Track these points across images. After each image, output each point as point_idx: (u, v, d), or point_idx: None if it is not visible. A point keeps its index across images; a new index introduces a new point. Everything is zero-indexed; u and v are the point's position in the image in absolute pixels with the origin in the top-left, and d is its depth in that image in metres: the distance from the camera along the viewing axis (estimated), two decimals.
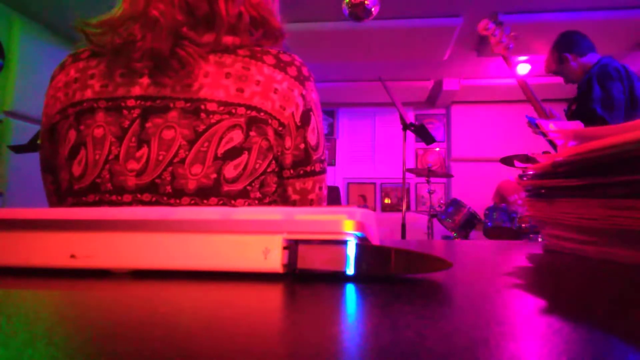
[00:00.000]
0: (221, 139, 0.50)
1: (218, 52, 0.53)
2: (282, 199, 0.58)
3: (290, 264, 0.22)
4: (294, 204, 0.58)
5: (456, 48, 3.29)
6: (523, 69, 3.58)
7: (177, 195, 0.49)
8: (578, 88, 1.84)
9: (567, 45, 1.86)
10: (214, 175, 0.49)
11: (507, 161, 2.25)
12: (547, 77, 3.14)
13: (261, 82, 0.53)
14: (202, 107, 0.50)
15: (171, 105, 0.50)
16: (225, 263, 0.22)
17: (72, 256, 0.22)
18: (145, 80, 0.51)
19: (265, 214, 0.23)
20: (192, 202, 0.49)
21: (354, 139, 4.74)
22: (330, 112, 4.67)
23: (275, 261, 0.21)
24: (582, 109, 1.74)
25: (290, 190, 0.57)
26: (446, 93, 4.18)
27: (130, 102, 0.50)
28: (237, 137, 0.50)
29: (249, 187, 0.51)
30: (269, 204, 0.55)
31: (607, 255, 0.35)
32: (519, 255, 0.39)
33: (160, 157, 0.49)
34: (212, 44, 0.52)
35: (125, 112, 0.50)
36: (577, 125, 0.49)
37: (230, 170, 0.50)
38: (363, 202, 4.63)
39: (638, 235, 0.31)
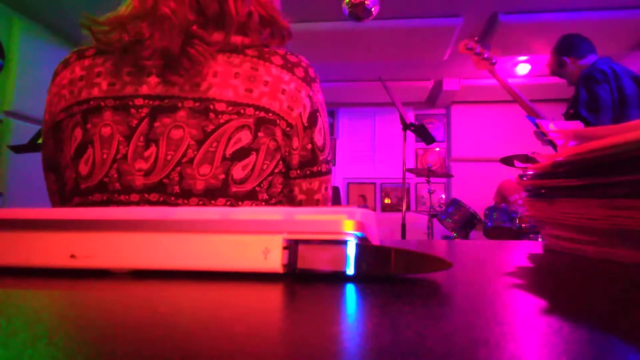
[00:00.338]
0: (230, 139, 0.50)
1: (227, 52, 0.53)
2: (288, 200, 0.58)
3: (290, 264, 0.22)
4: (300, 204, 0.58)
5: (456, 48, 3.28)
6: (523, 69, 3.58)
7: (185, 196, 0.48)
8: (571, 102, 1.88)
9: (566, 48, 1.89)
10: (222, 176, 0.49)
11: (507, 161, 2.25)
12: (547, 78, 3.15)
13: (269, 82, 0.53)
14: (211, 107, 0.50)
15: (180, 104, 0.50)
16: (225, 263, 0.22)
17: (72, 256, 0.22)
18: (153, 79, 0.51)
19: (265, 214, 0.23)
20: (200, 202, 0.49)
21: (354, 139, 4.74)
22: (330, 112, 4.67)
23: (275, 261, 0.21)
24: (574, 112, 1.78)
25: (296, 190, 0.57)
26: (446, 93, 4.18)
27: (139, 101, 0.50)
28: (245, 137, 0.50)
29: (257, 188, 0.51)
30: (275, 204, 0.55)
31: (607, 255, 0.35)
32: (519, 255, 0.39)
33: (169, 157, 0.49)
34: (221, 43, 0.52)
35: (133, 111, 0.50)
36: (577, 125, 0.49)
37: (238, 171, 0.50)
38: (363, 202, 4.63)
39: (638, 235, 0.31)
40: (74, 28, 3.09)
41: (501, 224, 2.42)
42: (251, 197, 0.51)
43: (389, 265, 0.21)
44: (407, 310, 0.15)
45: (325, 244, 0.21)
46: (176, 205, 0.48)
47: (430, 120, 4.61)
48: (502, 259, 0.36)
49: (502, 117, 4.28)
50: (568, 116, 1.86)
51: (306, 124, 0.55)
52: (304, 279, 0.22)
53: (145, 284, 0.21)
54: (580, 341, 0.12)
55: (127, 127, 0.49)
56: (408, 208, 3.76)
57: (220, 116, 0.50)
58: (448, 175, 3.40)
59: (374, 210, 4.50)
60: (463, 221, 2.68)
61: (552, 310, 0.16)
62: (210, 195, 0.49)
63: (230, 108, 0.50)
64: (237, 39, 0.54)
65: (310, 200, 0.58)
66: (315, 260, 0.21)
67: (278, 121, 0.52)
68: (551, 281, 0.25)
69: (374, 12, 2.33)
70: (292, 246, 0.22)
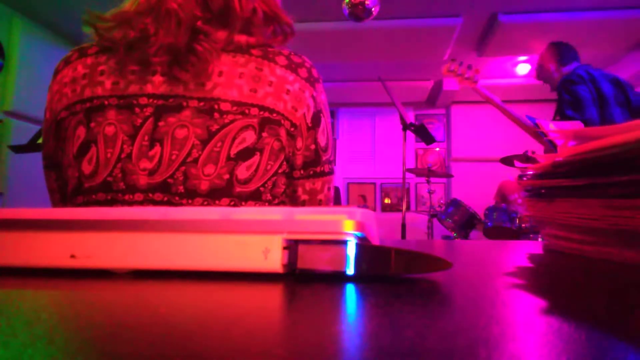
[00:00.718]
0: (234, 139, 0.50)
1: (232, 51, 0.53)
2: (291, 200, 0.58)
3: (290, 264, 0.22)
4: (303, 204, 0.58)
5: (456, 48, 3.29)
6: (523, 69, 3.59)
7: (189, 196, 0.48)
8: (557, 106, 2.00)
9: (551, 56, 2.02)
10: (227, 176, 0.49)
11: (507, 161, 2.26)
12: None
13: (274, 82, 0.53)
14: (216, 106, 0.50)
15: (184, 104, 0.50)
16: (226, 263, 0.22)
17: (72, 256, 0.22)
18: (157, 79, 0.51)
19: (265, 214, 0.23)
20: (205, 202, 0.49)
21: (354, 139, 4.74)
22: (330, 112, 4.66)
23: (275, 261, 0.21)
24: (561, 117, 1.88)
25: (300, 190, 0.57)
26: (446, 93, 4.18)
27: (143, 100, 0.50)
28: (249, 137, 0.50)
29: (261, 189, 0.51)
30: (278, 205, 0.55)
31: (607, 255, 0.35)
32: (519, 255, 0.39)
33: (173, 157, 0.48)
34: (226, 41, 0.52)
35: (137, 110, 0.50)
36: (577, 125, 0.49)
37: (242, 171, 0.50)
38: (363, 202, 4.63)
39: (638, 235, 0.31)
40: (74, 28, 3.09)
41: (501, 224, 2.42)
42: (255, 197, 0.51)
43: (389, 265, 0.21)
44: (407, 310, 0.15)
45: (325, 244, 0.21)
46: (180, 204, 0.48)
47: (430, 120, 4.61)
48: (502, 259, 0.36)
49: (502, 117, 4.26)
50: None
51: (310, 125, 0.55)
52: (304, 279, 0.22)
53: (146, 284, 0.21)
54: (580, 341, 0.12)
55: (131, 126, 0.49)
56: (408, 208, 3.76)
57: (225, 116, 0.50)
58: (448, 175, 3.40)
59: (374, 210, 4.50)
60: (463, 221, 2.68)
61: (552, 310, 0.16)
62: (214, 195, 0.49)
63: (235, 108, 0.50)
64: (241, 38, 0.54)
65: (313, 201, 0.58)
66: (315, 260, 0.21)
67: (282, 121, 0.52)
68: (551, 281, 0.25)
69: (374, 12, 2.33)
70: (292, 246, 0.22)
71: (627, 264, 0.32)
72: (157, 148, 0.49)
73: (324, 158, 0.58)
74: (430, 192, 2.98)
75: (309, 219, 0.22)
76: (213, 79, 0.51)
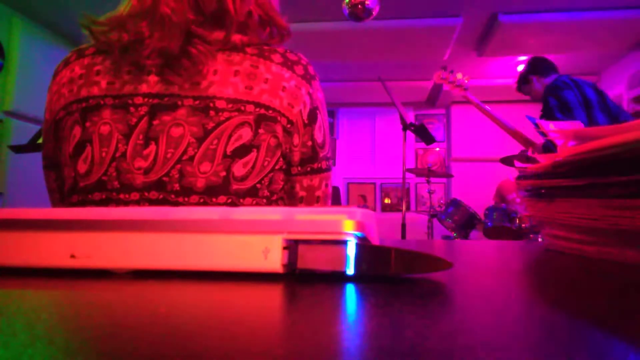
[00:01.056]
0: (230, 136, 0.50)
1: (227, 50, 0.53)
2: (289, 196, 0.58)
3: (290, 264, 0.22)
4: (300, 200, 0.58)
5: (456, 48, 3.29)
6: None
7: (185, 193, 0.49)
8: (542, 111, 2.11)
9: (533, 68, 2.17)
10: (223, 174, 0.49)
11: (507, 161, 2.27)
12: None
13: (269, 80, 0.53)
14: (211, 104, 0.50)
15: (179, 103, 0.50)
16: (226, 263, 0.22)
17: (72, 256, 0.22)
18: (152, 78, 0.51)
19: (265, 214, 0.23)
20: (201, 200, 0.49)
21: (354, 139, 4.74)
22: (330, 112, 4.67)
23: (275, 261, 0.21)
24: (542, 117, 1.99)
25: (297, 187, 0.58)
26: (446, 93, 4.18)
27: (138, 100, 0.50)
28: (246, 134, 0.50)
29: (258, 185, 0.52)
30: (276, 201, 0.55)
31: (607, 255, 0.35)
32: (519, 255, 0.39)
33: (169, 155, 0.49)
34: (221, 42, 0.52)
35: (132, 109, 0.50)
36: (577, 125, 0.49)
37: (239, 168, 0.50)
38: (363, 202, 4.63)
39: (638, 235, 0.31)
40: (74, 28, 3.09)
41: (501, 224, 2.42)
42: (252, 194, 0.51)
43: (389, 265, 0.21)
44: (407, 310, 0.15)
45: (325, 244, 0.21)
46: (176, 203, 0.48)
47: (430, 120, 4.61)
48: (502, 259, 0.36)
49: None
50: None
51: (306, 121, 0.55)
52: (304, 279, 0.22)
53: (146, 284, 0.21)
54: (580, 341, 0.12)
55: (126, 125, 0.49)
56: (408, 208, 3.76)
57: (220, 114, 0.50)
58: (448, 175, 3.40)
59: (374, 210, 4.50)
60: (463, 221, 2.68)
61: (552, 310, 0.16)
62: (210, 193, 0.49)
63: (230, 105, 0.50)
64: (236, 38, 0.54)
65: (311, 197, 0.59)
66: (315, 260, 0.21)
67: (279, 118, 0.53)
68: (551, 281, 0.25)
69: (374, 12, 2.33)
70: (292, 246, 0.22)
71: (627, 264, 0.32)
72: (152, 147, 0.49)
73: (321, 154, 0.58)
74: (430, 192, 2.98)
75: (309, 219, 0.22)
76: (208, 78, 0.51)
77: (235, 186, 0.50)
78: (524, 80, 2.21)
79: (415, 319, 0.14)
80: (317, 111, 0.57)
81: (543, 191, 0.44)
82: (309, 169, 0.57)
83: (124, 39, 0.51)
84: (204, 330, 0.13)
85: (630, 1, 2.63)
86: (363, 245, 0.21)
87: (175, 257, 0.22)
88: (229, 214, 0.23)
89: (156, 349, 0.11)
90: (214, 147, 0.49)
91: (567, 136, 0.43)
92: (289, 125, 0.54)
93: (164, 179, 0.48)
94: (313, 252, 0.21)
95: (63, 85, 0.54)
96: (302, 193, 0.58)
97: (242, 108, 0.50)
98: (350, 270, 0.21)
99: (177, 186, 0.48)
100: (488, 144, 4.29)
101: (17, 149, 2.00)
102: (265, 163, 0.52)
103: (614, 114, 1.94)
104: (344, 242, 0.21)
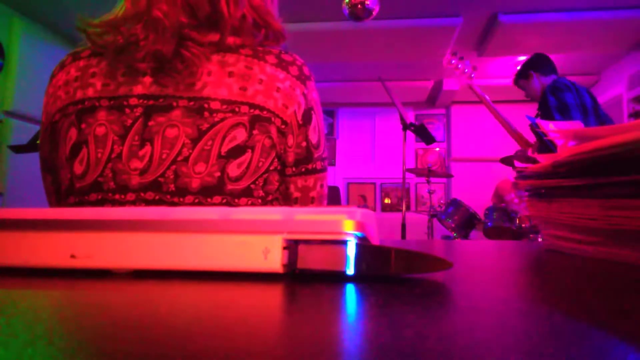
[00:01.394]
0: (225, 137, 0.50)
1: (221, 51, 0.53)
2: (284, 197, 0.58)
3: (290, 264, 0.22)
4: (295, 201, 0.58)
5: (456, 48, 3.28)
6: None
7: (180, 194, 0.49)
8: (538, 109, 2.13)
9: (535, 64, 2.17)
10: (218, 174, 0.49)
11: (507, 161, 2.27)
12: None
13: (264, 80, 0.53)
14: (206, 105, 0.50)
15: (174, 104, 0.50)
16: (226, 263, 0.22)
17: (72, 256, 0.23)
18: (147, 79, 0.51)
19: (265, 214, 0.23)
20: (196, 200, 0.49)
21: (354, 139, 4.74)
22: (330, 112, 4.67)
23: (275, 261, 0.21)
24: (541, 117, 2.00)
25: (292, 187, 0.58)
26: (446, 93, 4.18)
27: (133, 101, 0.50)
28: (240, 135, 0.51)
29: (252, 186, 0.52)
30: (271, 202, 0.55)
31: (607, 255, 0.35)
32: (519, 255, 0.39)
33: (164, 156, 0.49)
34: (215, 44, 0.52)
35: (127, 110, 0.50)
36: (577, 125, 0.49)
37: (233, 168, 0.50)
38: (363, 202, 4.63)
39: (638, 235, 0.31)
40: (74, 28, 3.09)
41: (501, 224, 2.42)
42: (247, 194, 0.51)
43: (389, 265, 0.21)
44: (407, 310, 0.15)
45: (325, 244, 0.21)
46: (172, 203, 0.49)
47: (430, 120, 4.61)
48: (502, 259, 0.36)
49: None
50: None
51: (301, 122, 0.56)
52: (304, 279, 0.22)
53: (146, 284, 0.21)
54: (580, 341, 0.12)
55: (121, 126, 0.50)
56: (408, 208, 3.76)
57: (215, 114, 0.50)
58: (448, 175, 3.40)
59: (374, 210, 4.50)
60: (463, 221, 2.68)
61: (552, 310, 0.16)
62: (205, 193, 0.49)
63: (224, 106, 0.50)
64: (230, 40, 0.54)
65: (306, 198, 0.59)
66: (315, 260, 0.21)
67: (273, 119, 0.53)
68: (551, 281, 0.25)
69: (374, 12, 2.33)
70: (292, 246, 0.22)
71: (627, 264, 0.32)
72: (148, 148, 0.49)
73: (315, 155, 0.58)
74: (430, 192, 2.98)
75: (309, 219, 0.22)
76: (202, 79, 0.51)
77: (230, 186, 0.50)
78: (523, 75, 2.20)
79: (415, 319, 0.14)
80: (312, 112, 0.57)
81: (543, 191, 0.44)
82: (303, 169, 0.57)
83: (118, 42, 0.51)
84: (204, 330, 0.13)
85: (630, 1, 2.63)
86: (363, 245, 0.21)
87: (175, 257, 0.22)
88: (229, 214, 0.23)
89: (156, 349, 0.11)
90: (209, 148, 0.49)
91: (567, 136, 0.43)
92: (283, 126, 0.54)
93: (160, 179, 0.49)
94: (313, 252, 0.21)
95: (59, 88, 0.54)
96: (296, 194, 0.58)
97: (237, 109, 0.51)
98: (350, 270, 0.21)
99: (172, 187, 0.49)
100: (488, 144, 4.29)
101: (17, 149, 2.00)
102: (260, 164, 0.52)
103: (603, 123, 1.99)
104: (344, 242, 0.21)
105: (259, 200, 0.53)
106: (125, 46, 0.51)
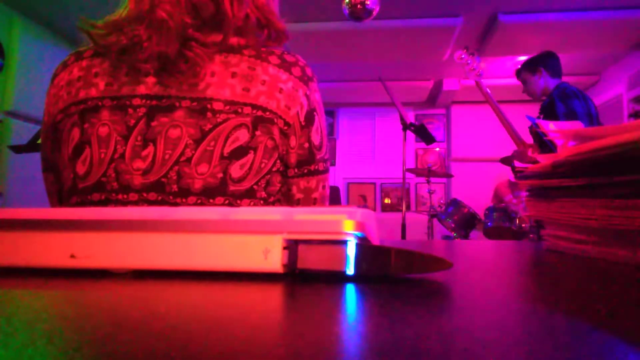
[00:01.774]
0: (227, 138, 0.50)
1: (224, 51, 0.53)
2: (286, 198, 0.58)
3: (290, 264, 0.22)
4: (297, 202, 0.58)
5: (456, 48, 3.28)
6: None
7: (183, 195, 0.49)
8: (541, 112, 2.11)
9: (546, 62, 2.12)
10: (220, 175, 0.49)
11: (507, 161, 2.27)
12: None
13: (267, 81, 0.53)
14: (209, 106, 0.50)
15: (177, 104, 0.50)
16: (226, 263, 0.22)
17: (72, 256, 0.22)
18: (150, 79, 0.51)
19: (265, 214, 0.23)
20: (198, 201, 0.49)
21: (354, 139, 4.74)
22: (330, 112, 4.68)
23: (275, 261, 0.21)
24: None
25: (294, 189, 0.57)
26: (446, 93, 4.18)
27: (136, 101, 0.50)
28: (243, 136, 0.51)
29: (255, 187, 0.52)
30: (273, 203, 0.55)
31: (607, 255, 0.35)
32: (519, 255, 0.39)
33: (167, 156, 0.49)
34: (219, 45, 0.52)
35: (130, 110, 0.50)
36: (577, 125, 0.49)
37: (236, 169, 0.50)
38: (363, 202, 4.63)
39: (638, 235, 0.31)
40: (74, 28, 3.09)
41: (501, 224, 2.42)
42: (249, 195, 0.51)
43: (389, 265, 0.21)
44: (407, 310, 0.15)
45: (325, 244, 0.21)
46: (175, 204, 0.48)
47: (430, 120, 4.61)
48: (502, 259, 0.36)
49: (506, 114, 4.28)
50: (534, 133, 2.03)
51: (303, 123, 0.55)
52: (304, 279, 0.22)
53: (146, 284, 0.21)
54: (580, 341, 0.12)
55: (124, 126, 0.50)
56: (408, 208, 3.76)
57: (217, 115, 0.50)
58: (448, 175, 3.40)
59: (374, 210, 4.50)
60: (463, 221, 2.68)
61: (552, 310, 0.16)
62: (208, 194, 0.49)
63: (227, 107, 0.50)
64: (233, 40, 0.54)
65: (308, 199, 0.59)
66: (315, 260, 0.21)
67: (276, 120, 0.53)
68: (551, 281, 0.25)
69: (374, 12, 2.33)
70: (292, 246, 0.22)
71: (627, 264, 0.32)
72: (151, 148, 0.49)
73: (318, 156, 0.58)
74: (430, 192, 2.98)
75: (309, 219, 0.22)
76: (206, 79, 0.51)
77: (232, 187, 0.50)
78: (531, 68, 2.13)
79: (415, 319, 0.14)
80: (315, 113, 0.57)
81: (543, 191, 0.44)
82: (305, 170, 0.57)
83: (121, 43, 0.51)
84: (204, 330, 0.13)
85: (630, 1, 2.63)
86: (363, 245, 0.21)
87: (175, 257, 0.22)
88: (229, 214, 0.23)
89: (156, 349, 0.11)
90: (211, 149, 0.49)
91: (567, 136, 0.43)
92: (285, 127, 0.54)
93: (163, 180, 0.49)
94: (313, 252, 0.21)
95: (61, 88, 0.54)
96: (298, 195, 0.58)
97: (239, 110, 0.51)
98: (350, 270, 0.21)
99: (175, 187, 0.48)
100: (488, 144, 4.29)
101: (17, 149, 2.00)
102: (262, 165, 0.52)
103: None
104: (344, 242, 0.21)
105: (261, 202, 0.53)
106: (128, 47, 0.51)
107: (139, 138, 0.49)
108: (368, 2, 2.28)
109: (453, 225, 2.70)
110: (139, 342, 0.12)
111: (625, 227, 0.32)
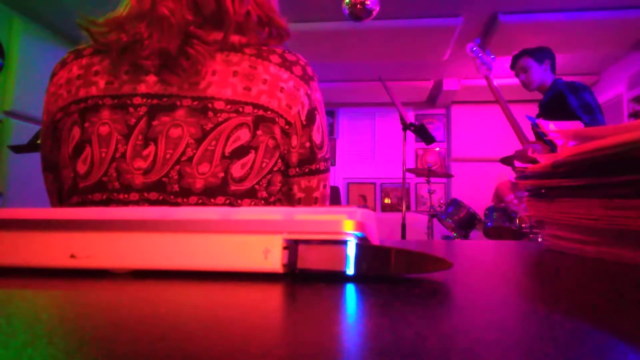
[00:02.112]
0: (228, 137, 0.50)
1: (225, 50, 0.53)
2: (287, 197, 0.58)
3: (290, 264, 0.22)
4: (299, 202, 0.58)
5: (456, 48, 3.29)
6: None
7: (184, 194, 0.49)
8: (545, 107, 2.06)
9: (552, 55, 2.10)
10: (222, 174, 0.49)
11: (507, 161, 2.27)
12: None
13: (268, 80, 0.53)
14: (210, 105, 0.50)
15: (178, 103, 0.50)
16: (226, 263, 0.22)
17: (72, 256, 0.22)
18: (151, 78, 0.51)
19: (265, 214, 0.23)
20: (200, 201, 0.49)
21: (354, 139, 4.74)
22: (330, 112, 4.67)
23: (275, 261, 0.21)
24: (555, 117, 1.92)
25: (295, 188, 0.57)
26: (446, 93, 4.18)
27: (137, 100, 0.50)
28: (244, 135, 0.50)
29: (257, 187, 0.52)
30: (274, 203, 0.55)
31: (607, 255, 0.35)
32: (519, 255, 0.39)
33: (168, 156, 0.49)
34: (220, 43, 0.52)
35: (131, 109, 0.50)
36: (577, 125, 0.49)
37: (237, 169, 0.50)
38: (363, 202, 4.63)
39: (638, 235, 0.31)
40: (74, 28, 3.09)
41: (501, 224, 2.42)
42: (250, 195, 0.51)
43: (389, 265, 0.21)
44: (407, 310, 0.15)
45: (325, 244, 0.21)
46: (176, 203, 0.48)
47: (430, 120, 4.61)
48: (502, 259, 0.36)
49: (502, 117, 4.26)
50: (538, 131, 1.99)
51: (304, 122, 0.55)
52: (304, 279, 0.22)
53: (146, 284, 0.21)
54: (580, 341, 0.12)
55: (125, 125, 0.49)
56: (408, 208, 3.76)
57: (219, 114, 0.50)
58: (448, 175, 3.40)
59: (374, 210, 4.50)
60: (463, 221, 2.68)
61: (552, 310, 0.16)
62: (209, 194, 0.49)
63: (229, 106, 0.50)
64: (234, 39, 0.54)
65: (309, 198, 0.59)
66: (315, 260, 0.21)
67: (277, 119, 0.53)
68: (551, 281, 0.25)
69: (374, 12, 2.33)
70: (292, 246, 0.22)
71: (627, 264, 0.32)
72: (152, 147, 0.49)
73: (319, 155, 0.58)
74: (430, 192, 2.98)
75: (309, 219, 0.22)
76: (207, 78, 0.51)
77: (233, 187, 0.50)
78: (539, 58, 2.07)
79: (415, 319, 0.14)
80: (316, 112, 0.57)
81: (543, 191, 0.44)
82: (307, 170, 0.57)
83: (122, 40, 0.51)
84: (204, 330, 0.13)
85: (630, 1, 2.63)
86: (363, 245, 0.21)
87: (175, 257, 0.22)
88: (229, 214, 0.23)
89: (156, 349, 0.11)
90: (212, 148, 0.49)
91: (567, 136, 0.43)
92: (287, 127, 0.54)
93: (164, 179, 0.48)
94: (313, 252, 0.21)
95: (60, 87, 0.53)
96: (300, 194, 0.58)
97: (241, 109, 0.50)
98: (350, 270, 0.21)
99: (176, 187, 0.48)
100: (488, 144, 4.29)
101: (17, 149, 2.00)
102: (264, 164, 0.52)
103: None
104: (344, 242, 0.21)
105: (262, 202, 0.53)
106: (129, 45, 0.51)
107: (140, 137, 0.49)
108: (368, 2, 2.28)
109: (453, 225, 2.70)
110: (139, 342, 0.12)
111: (625, 227, 0.32)
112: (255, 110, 0.51)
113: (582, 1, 2.66)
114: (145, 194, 0.48)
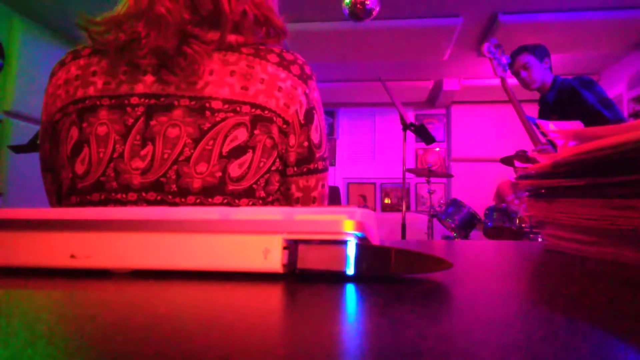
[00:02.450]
0: (226, 137, 0.50)
1: (222, 50, 0.53)
2: (285, 197, 0.58)
3: (290, 264, 0.22)
4: (297, 201, 0.58)
5: (456, 48, 3.29)
6: None
7: (182, 194, 0.49)
8: (556, 105, 2.00)
9: (549, 54, 2.05)
10: (219, 174, 0.49)
11: (507, 161, 2.26)
12: None
13: (265, 80, 0.53)
14: (207, 105, 0.50)
15: (176, 103, 0.50)
16: (226, 263, 0.22)
17: (72, 256, 0.22)
18: (149, 78, 0.51)
19: (265, 214, 0.23)
20: (197, 200, 0.49)
21: (354, 139, 4.74)
22: (330, 112, 4.68)
23: (275, 261, 0.21)
24: (573, 115, 1.87)
25: (293, 187, 0.57)
26: (446, 93, 4.18)
27: (134, 100, 0.50)
28: (241, 135, 0.50)
29: (255, 186, 0.52)
30: (272, 202, 0.55)
31: (607, 255, 0.35)
32: (519, 255, 0.39)
33: (165, 156, 0.49)
34: (217, 42, 0.52)
35: (129, 109, 0.50)
36: (577, 125, 0.49)
37: (235, 168, 0.50)
38: (363, 202, 4.63)
39: (638, 235, 0.31)
40: (74, 28, 3.09)
41: (501, 224, 2.42)
42: (248, 195, 0.51)
43: (389, 265, 0.21)
44: (407, 310, 0.15)
45: (325, 244, 0.21)
46: (174, 203, 0.48)
47: (430, 120, 4.61)
48: (502, 259, 0.36)
49: (502, 117, 4.28)
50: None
51: (302, 122, 0.55)
52: (304, 279, 0.22)
53: (146, 284, 0.21)
54: (580, 341, 0.12)
55: (123, 125, 0.49)
56: (408, 208, 3.76)
57: (216, 114, 0.50)
58: (448, 175, 3.40)
59: (374, 210, 4.50)
60: (463, 221, 2.68)
61: (552, 310, 0.16)
62: (207, 194, 0.49)
63: (226, 106, 0.50)
64: (232, 38, 0.54)
65: (307, 198, 0.58)
66: (315, 260, 0.21)
67: (274, 119, 0.53)
68: (551, 281, 0.25)
69: (374, 12, 2.33)
70: (292, 246, 0.22)
71: (627, 264, 0.32)
72: (149, 147, 0.49)
73: (317, 155, 0.58)
74: (430, 192, 2.98)
75: (309, 219, 0.22)
76: (204, 78, 0.51)
77: (231, 187, 0.50)
78: (540, 55, 2.02)
79: (415, 319, 0.14)
80: (314, 111, 0.57)
81: (543, 191, 0.44)
82: (305, 169, 0.57)
83: (120, 39, 0.51)
84: (204, 330, 0.13)
85: (630, 1, 2.63)
86: (363, 245, 0.21)
87: (175, 257, 0.22)
88: (229, 214, 0.23)
89: (156, 349, 0.11)
90: (210, 148, 0.49)
91: (567, 136, 0.43)
92: (284, 126, 0.54)
93: (162, 179, 0.48)
94: (313, 252, 0.21)
95: (59, 87, 0.54)
96: (298, 194, 0.58)
97: (238, 109, 0.50)
98: (350, 270, 0.21)
99: (174, 187, 0.48)
100: (488, 144, 4.29)
101: (17, 149, 2.00)
102: (261, 164, 0.52)
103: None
104: (344, 242, 0.21)
105: (260, 201, 0.53)
106: (126, 44, 0.51)
107: (138, 137, 0.49)
108: (368, 2, 2.28)
109: (453, 225, 2.70)
110: (139, 342, 0.12)
111: (625, 227, 0.32)
112: (253, 110, 0.51)
113: (582, 1, 2.66)
114: (143, 194, 0.49)
